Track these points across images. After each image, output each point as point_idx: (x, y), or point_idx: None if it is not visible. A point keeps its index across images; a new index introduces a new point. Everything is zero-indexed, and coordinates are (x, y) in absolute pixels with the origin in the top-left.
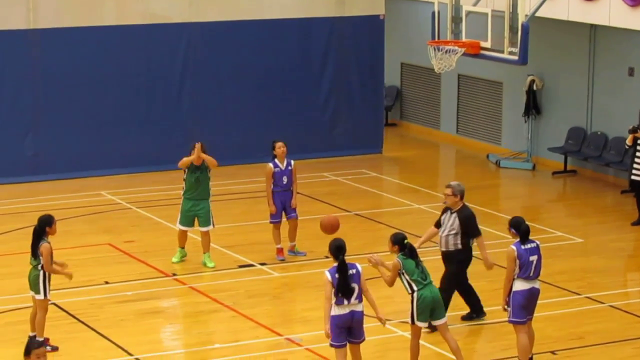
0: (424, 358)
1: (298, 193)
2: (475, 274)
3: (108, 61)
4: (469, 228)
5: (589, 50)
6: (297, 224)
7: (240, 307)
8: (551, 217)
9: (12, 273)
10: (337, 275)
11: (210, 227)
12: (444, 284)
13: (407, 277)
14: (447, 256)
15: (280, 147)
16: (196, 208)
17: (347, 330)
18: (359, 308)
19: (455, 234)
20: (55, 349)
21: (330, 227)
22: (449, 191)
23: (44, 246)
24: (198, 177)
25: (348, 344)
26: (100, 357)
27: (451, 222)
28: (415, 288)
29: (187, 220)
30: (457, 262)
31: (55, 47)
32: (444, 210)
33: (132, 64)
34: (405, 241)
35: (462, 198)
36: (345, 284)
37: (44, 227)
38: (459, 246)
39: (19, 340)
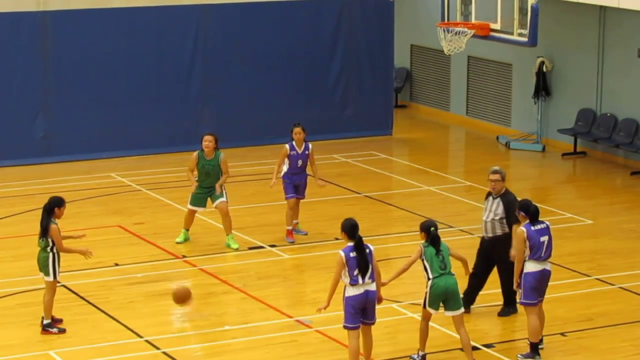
0: (433, 339)
1: (309, 175)
2: None
3: (118, 43)
4: (511, 213)
5: (598, 31)
6: (299, 203)
7: (250, 288)
8: (561, 199)
9: (22, 255)
10: (353, 254)
11: (224, 199)
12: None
13: (426, 264)
14: (495, 242)
15: (297, 132)
16: (208, 191)
17: (362, 312)
18: (372, 287)
19: (501, 219)
20: (62, 331)
21: (182, 298)
22: (497, 177)
23: (52, 228)
24: (208, 171)
25: (360, 326)
26: (110, 338)
27: (494, 207)
28: (431, 276)
29: (197, 200)
30: (507, 246)
31: (65, 29)
32: (487, 196)
33: (142, 46)
34: (432, 229)
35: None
36: (364, 261)
37: (53, 207)
38: (507, 229)
39: (30, 322)
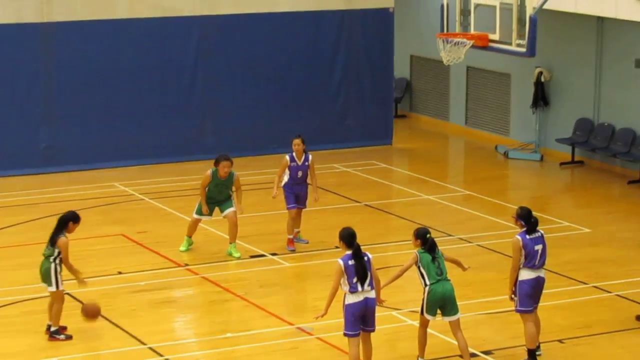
0: (432, 346)
1: (310, 184)
2: (482, 264)
3: (120, 54)
4: None
5: (596, 42)
6: (301, 212)
7: (251, 296)
8: (559, 208)
9: (27, 263)
10: (351, 262)
11: (233, 209)
12: None
13: (423, 271)
14: None
15: (296, 144)
16: (217, 203)
17: (361, 319)
18: (371, 295)
19: None
20: (69, 337)
21: (92, 314)
22: None
23: (61, 240)
24: (221, 190)
25: (361, 333)
26: (113, 346)
27: None
28: (428, 282)
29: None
30: None
31: (68, 40)
32: None
33: (145, 56)
34: (428, 236)
35: None
36: (362, 268)
37: (68, 221)
38: None
39: (34, 330)
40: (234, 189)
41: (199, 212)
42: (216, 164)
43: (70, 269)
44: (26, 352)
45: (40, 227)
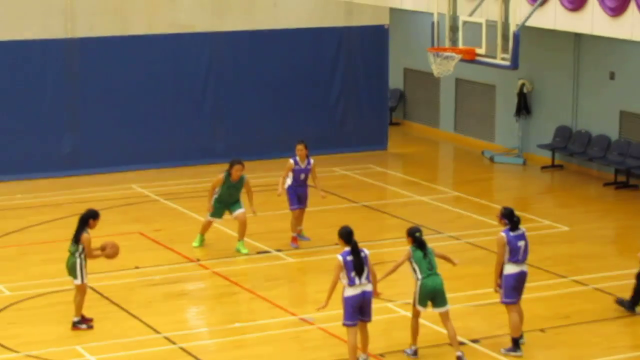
0: (424, 335)
1: (311, 186)
2: (470, 259)
3: (139, 66)
4: None
5: (573, 56)
6: (304, 212)
7: (258, 289)
8: (540, 208)
9: (53, 259)
10: (349, 258)
11: (243, 210)
12: None
13: (415, 266)
14: None
15: (300, 149)
16: (228, 205)
17: (359, 310)
18: (368, 288)
19: None
20: (90, 327)
21: (111, 255)
22: None
23: (84, 237)
24: (232, 192)
25: (358, 323)
26: (131, 334)
27: None
28: (419, 276)
29: (215, 212)
30: None
31: (90, 54)
32: None
33: (160, 69)
34: (417, 234)
35: None
36: (359, 263)
37: (88, 218)
38: None
39: (59, 319)
40: (243, 190)
41: (212, 214)
42: (230, 167)
43: (92, 255)
44: (52, 340)
45: (65, 225)
